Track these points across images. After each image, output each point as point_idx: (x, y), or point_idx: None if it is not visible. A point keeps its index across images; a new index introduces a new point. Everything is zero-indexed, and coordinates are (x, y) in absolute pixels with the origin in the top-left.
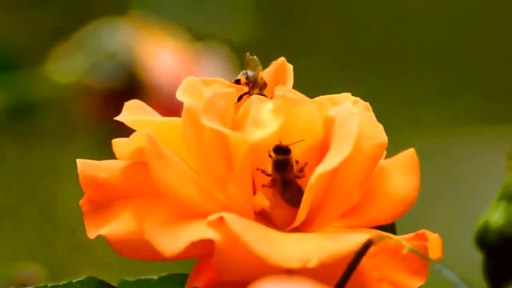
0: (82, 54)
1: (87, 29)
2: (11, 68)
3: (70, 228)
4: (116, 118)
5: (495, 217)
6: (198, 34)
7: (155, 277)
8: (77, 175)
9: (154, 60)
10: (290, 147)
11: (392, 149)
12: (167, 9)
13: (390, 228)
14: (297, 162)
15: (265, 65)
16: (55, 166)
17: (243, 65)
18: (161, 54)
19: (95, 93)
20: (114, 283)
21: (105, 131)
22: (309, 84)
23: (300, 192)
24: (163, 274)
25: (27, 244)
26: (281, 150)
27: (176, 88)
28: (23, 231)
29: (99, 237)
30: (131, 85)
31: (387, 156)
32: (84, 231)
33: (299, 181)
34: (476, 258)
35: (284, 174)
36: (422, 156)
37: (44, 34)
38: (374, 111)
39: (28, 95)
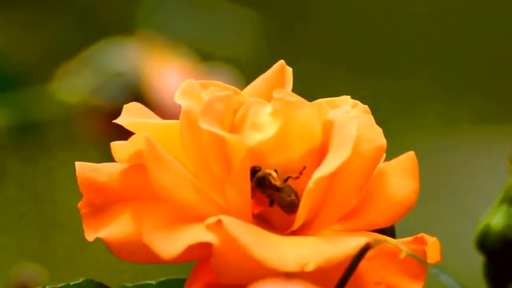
0: (88, 73)
1: (94, 48)
2: (17, 86)
3: (72, 236)
4: (115, 121)
5: (496, 220)
6: (203, 51)
7: (154, 282)
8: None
9: (160, 80)
10: (289, 150)
11: (393, 150)
12: (173, 27)
13: (390, 231)
14: (276, 172)
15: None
16: (58, 181)
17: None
18: (168, 74)
19: (101, 112)
20: (113, 286)
21: (110, 150)
22: (309, 86)
23: (293, 200)
24: (162, 279)
25: (28, 245)
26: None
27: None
28: (24, 233)
29: (100, 239)
30: None
31: (387, 157)
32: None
33: (297, 185)
34: (476, 261)
35: (264, 191)
36: (423, 157)
37: (51, 52)
38: (375, 112)
39: (33, 113)
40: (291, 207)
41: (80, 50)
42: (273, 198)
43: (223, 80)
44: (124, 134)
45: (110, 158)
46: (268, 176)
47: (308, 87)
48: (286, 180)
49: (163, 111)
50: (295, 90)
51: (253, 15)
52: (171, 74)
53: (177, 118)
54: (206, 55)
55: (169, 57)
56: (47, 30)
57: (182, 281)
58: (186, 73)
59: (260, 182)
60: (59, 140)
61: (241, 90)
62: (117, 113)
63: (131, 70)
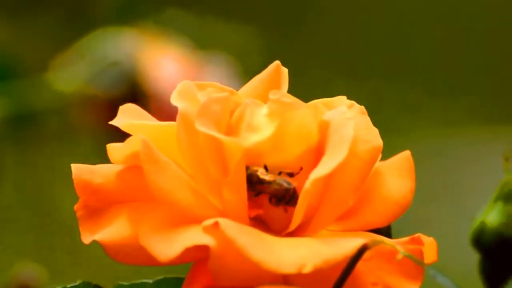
0: (85, 63)
1: (90, 37)
2: (13, 76)
3: (69, 230)
4: (111, 123)
5: (492, 217)
6: (201, 43)
7: (150, 281)
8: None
9: (156, 69)
10: (286, 151)
11: (391, 151)
12: (171, 20)
13: (386, 231)
14: (266, 168)
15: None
16: (55, 171)
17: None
18: (164, 63)
19: (97, 101)
20: (110, 286)
21: (106, 139)
22: (309, 86)
23: (288, 188)
24: (159, 277)
25: (28, 245)
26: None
27: None
28: (23, 232)
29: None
30: (133, 94)
31: (385, 158)
32: None
33: (296, 184)
34: (474, 261)
35: (254, 188)
36: (420, 158)
37: (47, 42)
38: (373, 113)
39: (30, 103)
40: (288, 194)
41: (75, 40)
42: (267, 192)
43: (220, 69)
44: None
45: (105, 148)
46: (256, 173)
47: (306, 91)
48: (278, 174)
49: (159, 100)
50: (296, 92)
51: (252, 31)
52: (167, 63)
53: (172, 108)
54: (203, 44)
55: (166, 46)
56: (43, 20)
57: (178, 280)
58: (183, 62)
59: (249, 180)
60: (56, 130)
61: (238, 80)
62: (113, 102)
63: (127, 59)
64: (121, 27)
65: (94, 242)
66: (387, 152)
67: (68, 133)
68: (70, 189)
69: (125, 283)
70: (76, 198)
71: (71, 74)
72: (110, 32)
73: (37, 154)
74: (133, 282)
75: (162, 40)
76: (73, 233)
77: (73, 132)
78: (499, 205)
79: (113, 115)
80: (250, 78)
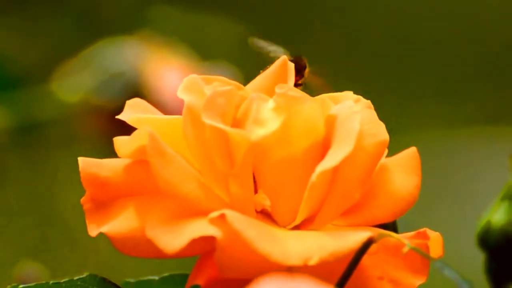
0: (89, 73)
1: (94, 47)
2: (18, 86)
3: (72, 232)
4: (118, 117)
5: (497, 216)
6: (202, 52)
7: (157, 278)
8: (78, 181)
9: (160, 79)
10: (292, 145)
11: (394, 150)
12: (172, 28)
13: (392, 227)
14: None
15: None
16: (59, 180)
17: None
18: (168, 73)
19: (101, 111)
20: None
21: (109, 149)
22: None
23: None
24: (165, 274)
25: (28, 245)
26: None
27: (182, 107)
28: (24, 232)
29: (101, 239)
30: None
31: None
32: (85, 233)
33: (302, 180)
34: (477, 258)
35: None
36: (424, 157)
37: (51, 52)
38: (376, 112)
39: (34, 113)
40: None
41: (80, 49)
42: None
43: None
44: (124, 132)
45: (110, 157)
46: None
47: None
48: None
49: (163, 110)
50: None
51: (241, 29)
52: (171, 73)
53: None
54: (205, 54)
55: (169, 56)
56: (47, 30)
57: (184, 277)
58: (186, 72)
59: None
60: (59, 139)
61: None
62: (117, 112)
63: (131, 69)
64: (125, 37)
65: (98, 246)
66: (391, 151)
67: (71, 143)
68: (73, 196)
69: (131, 280)
70: (79, 202)
71: (75, 84)
72: (115, 42)
73: (41, 163)
74: (139, 278)
75: (166, 50)
76: (76, 234)
77: (77, 142)
78: (505, 205)
79: (117, 125)
80: (247, 79)
